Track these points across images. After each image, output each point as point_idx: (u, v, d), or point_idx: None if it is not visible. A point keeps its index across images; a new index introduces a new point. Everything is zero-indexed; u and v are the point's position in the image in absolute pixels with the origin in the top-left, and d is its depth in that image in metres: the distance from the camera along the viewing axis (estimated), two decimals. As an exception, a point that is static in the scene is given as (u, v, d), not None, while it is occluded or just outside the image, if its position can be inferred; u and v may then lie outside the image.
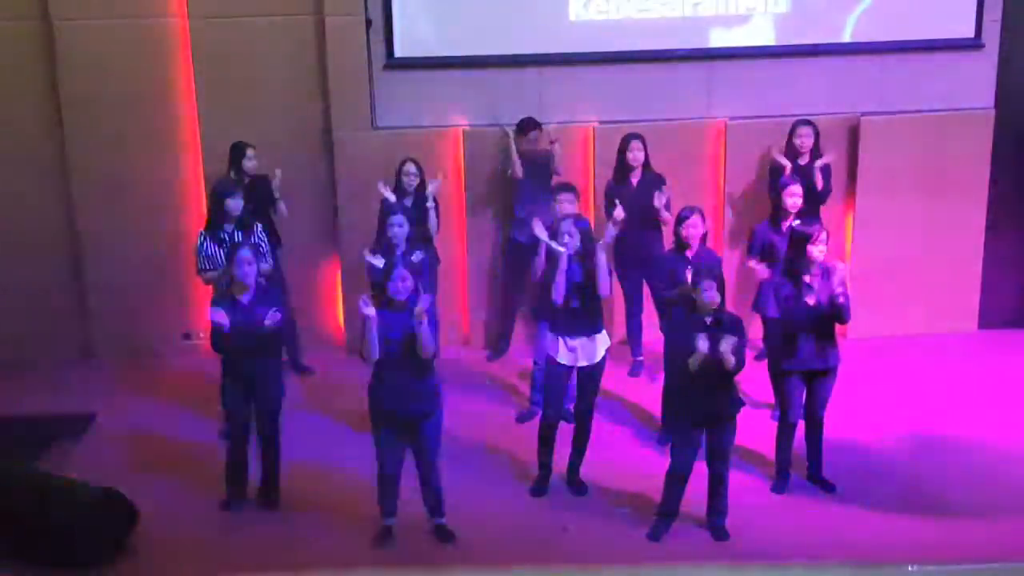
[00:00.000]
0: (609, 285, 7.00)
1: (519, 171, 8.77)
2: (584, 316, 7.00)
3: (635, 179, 8.52)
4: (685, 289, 6.90)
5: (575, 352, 7.06)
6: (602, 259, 6.89)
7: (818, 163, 8.59)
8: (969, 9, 9.10)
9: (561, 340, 7.05)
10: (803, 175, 8.46)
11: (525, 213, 8.75)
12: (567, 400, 7.36)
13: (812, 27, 9.12)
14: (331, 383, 8.86)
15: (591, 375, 7.14)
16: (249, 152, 8.49)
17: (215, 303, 6.93)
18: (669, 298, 7.44)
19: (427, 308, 6.34)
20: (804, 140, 8.68)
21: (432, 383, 6.58)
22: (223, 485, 7.20)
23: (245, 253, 6.88)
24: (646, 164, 8.53)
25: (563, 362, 7.08)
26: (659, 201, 8.28)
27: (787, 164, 8.59)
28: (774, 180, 8.63)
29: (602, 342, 7.12)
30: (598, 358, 7.10)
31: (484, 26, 9.04)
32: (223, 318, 6.75)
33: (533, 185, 8.79)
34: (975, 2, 9.07)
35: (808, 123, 8.71)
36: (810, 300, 6.81)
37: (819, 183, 8.55)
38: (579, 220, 7.13)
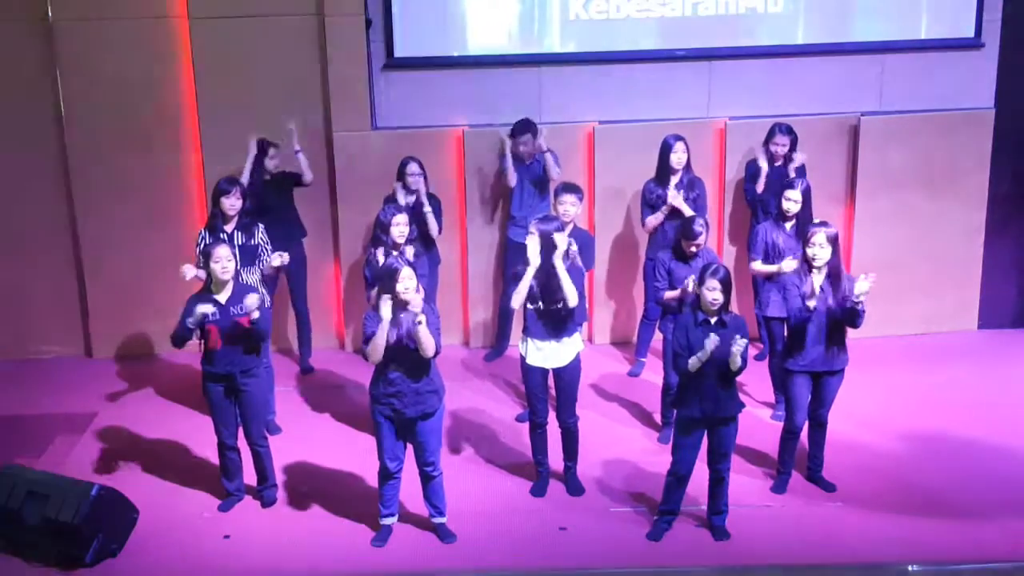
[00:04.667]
0: (576, 294, 6.89)
1: (512, 179, 8.78)
2: (552, 319, 6.96)
3: (675, 181, 8.43)
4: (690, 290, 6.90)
5: (545, 354, 7.03)
6: (560, 271, 6.82)
7: (791, 167, 8.59)
8: (969, 9, 9.10)
9: (531, 342, 7.04)
10: (778, 176, 8.50)
11: (521, 214, 8.76)
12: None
13: (812, 27, 9.12)
14: (331, 383, 8.87)
15: (564, 378, 7.10)
16: (272, 151, 8.54)
17: (193, 299, 6.92)
18: (667, 300, 7.45)
19: (423, 309, 6.35)
20: (779, 148, 8.69)
21: (433, 382, 6.59)
22: (222, 485, 7.21)
23: (223, 250, 6.88)
24: (687, 166, 8.48)
25: (533, 364, 7.07)
26: (674, 197, 8.26)
27: (764, 167, 8.60)
28: (750, 180, 8.74)
29: (573, 344, 7.08)
30: (568, 360, 7.07)
31: (484, 26, 9.05)
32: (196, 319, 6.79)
33: (529, 186, 8.80)
34: (975, 2, 9.07)
35: (785, 131, 8.68)
36: (810, 303, 6.80)
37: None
38: (543, 223, 6.93)
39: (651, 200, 8.46)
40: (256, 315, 6.79)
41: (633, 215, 9.06)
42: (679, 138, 8.44)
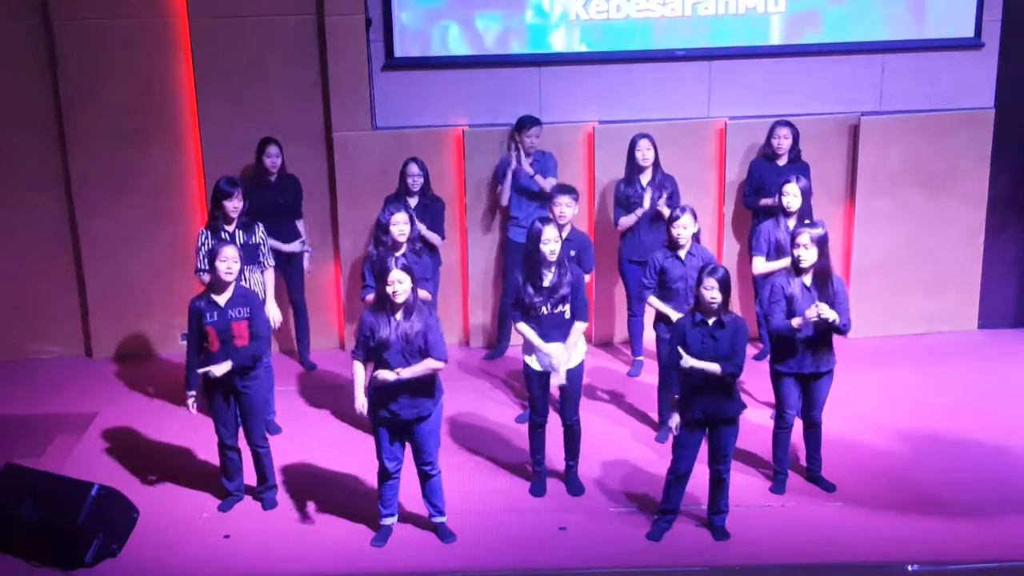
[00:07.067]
0: (586, 311, 7.04)
1: (505, 199, 8.81)
2: (555, 324, 6.94)
3: (645, 179, 8.50)
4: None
5: (549, 359, 7.02)
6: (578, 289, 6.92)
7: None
8: (969, 9, 9.10)
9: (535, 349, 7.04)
10: (779, 178, 8.48)
11: (522, 213, 8.77)
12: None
13: (812, 27, 9.12)
14: (331, 383, 8.87)
15: (569, 381, 7.08)
16: (269, 149, 8.55)
17: (194, 301, 6.92)
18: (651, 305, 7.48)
19: (427, 316, 6.36)
20: (782, 140, 8.70)
21: (431, 385, 6.58)
22: (222, 485, 7.21)
23: (230, 250, 6.87)
24: (656, 163, 8.52)
25: (537, 369, 7.06)
26: (659, 203, 8.31)
27: (772, 202, 8.33)
28: (750, 184, 8.78)
29: (577, 348, 7.07)
30: (573, 364, 7.07)
31: (484, 26, 9.05)
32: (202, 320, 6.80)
33: (525, 188, 8.80)
34: (975, 2, 9.07)
35: (787, 124, 8.72)
36: (796, 323, 6.78)
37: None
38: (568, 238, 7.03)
39: (621, 199, 8.50)
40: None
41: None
42: (645, 135, 8.49)
